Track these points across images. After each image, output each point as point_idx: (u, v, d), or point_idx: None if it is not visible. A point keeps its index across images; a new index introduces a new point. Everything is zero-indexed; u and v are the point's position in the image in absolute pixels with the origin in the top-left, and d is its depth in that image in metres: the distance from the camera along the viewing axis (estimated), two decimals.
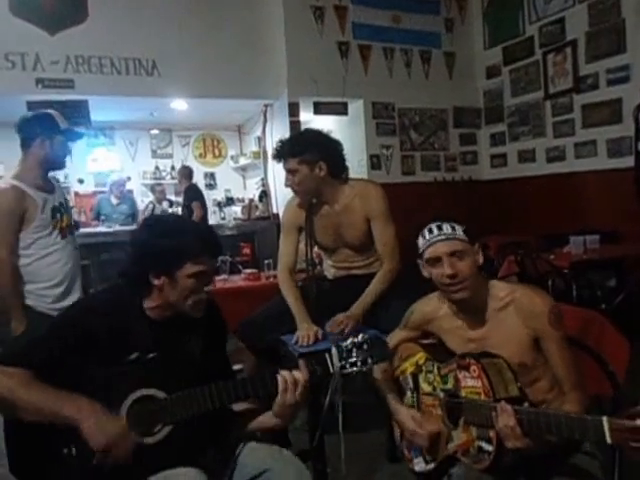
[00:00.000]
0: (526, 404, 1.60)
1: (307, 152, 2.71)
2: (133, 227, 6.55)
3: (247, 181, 8.64)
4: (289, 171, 2.75)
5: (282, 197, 6.77)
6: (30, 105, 5.77)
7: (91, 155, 8.37)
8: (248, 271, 4.50)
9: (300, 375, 1.64)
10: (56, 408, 1.55)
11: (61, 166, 3.08)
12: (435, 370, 1.86)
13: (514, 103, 6.89)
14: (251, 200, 7.22)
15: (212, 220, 7.37)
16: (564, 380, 1.72)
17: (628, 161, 5.47)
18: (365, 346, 1.64)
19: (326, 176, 2.73)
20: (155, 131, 8.63)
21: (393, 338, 2.09)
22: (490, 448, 1.62)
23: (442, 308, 1.94)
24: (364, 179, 2.90)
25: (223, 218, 7.12)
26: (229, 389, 1.65)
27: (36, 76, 5.72)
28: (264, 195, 6.91)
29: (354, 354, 1.64)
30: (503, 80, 6.99)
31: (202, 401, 1.62)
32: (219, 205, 7.41)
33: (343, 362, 1.64)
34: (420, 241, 1.83)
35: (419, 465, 1.91)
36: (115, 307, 1.72)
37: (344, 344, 1.65)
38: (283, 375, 1.64)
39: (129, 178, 8.18)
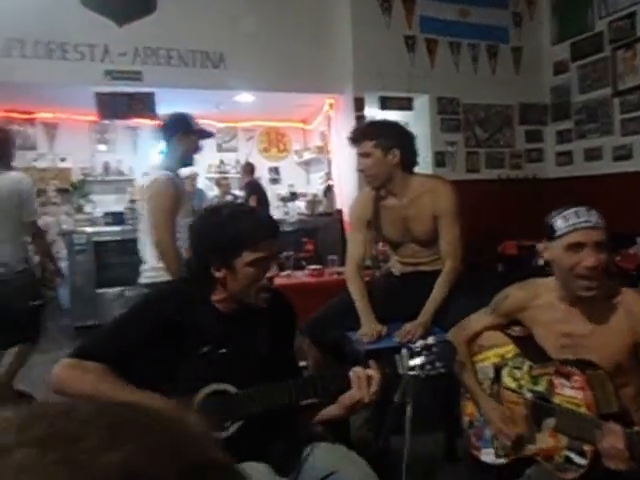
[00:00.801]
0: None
1: (383, 137, 2.77)
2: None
3: (310, 176, 8.67)
4: (362, 155, 2.79)
5: (347, 193, 6.79)
6: (98, 97, 5.96)
7: (156, 148, 8.46)
8: (312, 267, 4.54)
9: (374, 373, 1.64)
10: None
11: (191, 161, 3.43)
12: (525, 368, 1.82)
13: (581, 100, 6.73)
14: (314, 195, 7.24)
15: (275, 215, 7.27)
16: None
17: None
18: (434, 349, 1.64)
19: (398, 165, 2.77)
20: (220, 125, 8.70)
21: (476, 322, 2.06)
22: (583, 462, 1.59)
23: (541, 296, 1.88)
24: (435, 175, 2.94)
25: (287, 213, 7.15)
26: (302, 386, 1.67)
27: (104, 68, 5.80)
28: (328, 191, 6.92)
29: (423, 357, 1.63)
30: (571, 76, 6.83)
31: (275, 398, 1.63)
32: (283, 200, 7.45)
33: (412, 364, 1.63)
34: (559, 222, 1.75)
35: (488, 456, 1.92)
36: (185, 300, 1.74)
37: (414, 346, 1.66)
38: (356, 372, 1.64)
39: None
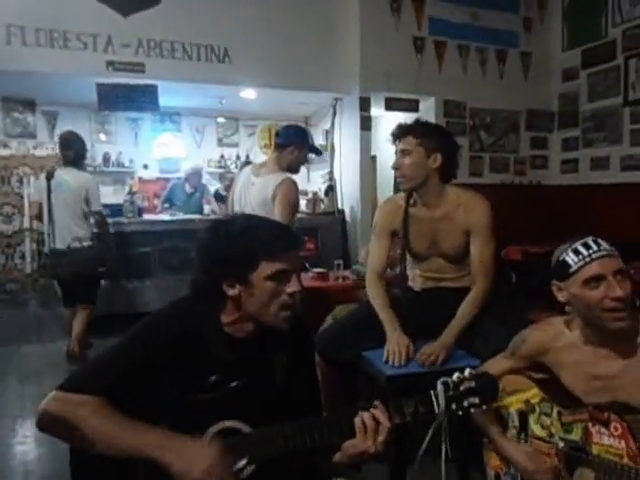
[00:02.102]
0: None
1: (428, 137, 2.60)
2: (197, 216, 6.60)
3: (312, 174, 8.58)
4: (403, 152, 2.61)
5: (348, 193, 6.73)
6: (100, 87, 5.85)
7: (157, 140, 8.43)
8: (317, 270, 4.40)
9: (383, 420, 1.42)
10: (135, 442, 1.36)
11: (297, 172, 3.70)
12: (554, 414, 1.68)
13: (590, 108, 6.64)
14: (315, 194, 7.15)
15: None
16: None
17: None
18: (473, 383, 1.42)
19: (437, 171, 2.61)
20: (222, 119, 8.63)
21: (495, 366, 1.91)
22: None
23: (564, 337, 1.75)
24: (471, 190, 2.76)
25: None
26: (317, 429, 1.44)
27: (107, 58, 5.70)
28: (330, 190, 6.84)
29: (461, 392, 1.42)
30: (580, 84, 6.74)
31: (289, 441, 1.41)
32: None
33: (450, 401, 1.41)
34: (571, 257, 1.65)
35: None
36: (190, 323, 1.54)
37: (450, 380, 1.43)
38: (362, 418, 1.42)
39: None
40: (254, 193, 3.60)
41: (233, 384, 1.49)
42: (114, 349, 1.54)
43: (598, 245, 1.62)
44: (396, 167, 2.65)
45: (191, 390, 1.46)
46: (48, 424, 1.41)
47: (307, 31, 6.28)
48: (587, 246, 1.62)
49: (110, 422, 1.38)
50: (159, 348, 1.48)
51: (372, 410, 1.42)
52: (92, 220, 4.85)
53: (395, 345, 2.45)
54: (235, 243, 1.49)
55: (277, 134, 3.75)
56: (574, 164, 6.94)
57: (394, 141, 2.68)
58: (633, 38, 6.04)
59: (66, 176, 4.71)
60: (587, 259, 1.61)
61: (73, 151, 4.77)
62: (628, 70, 6.12)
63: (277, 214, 3.30)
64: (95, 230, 4.87)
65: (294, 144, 3.60)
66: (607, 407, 1.55)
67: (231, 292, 1.51)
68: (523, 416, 1.78)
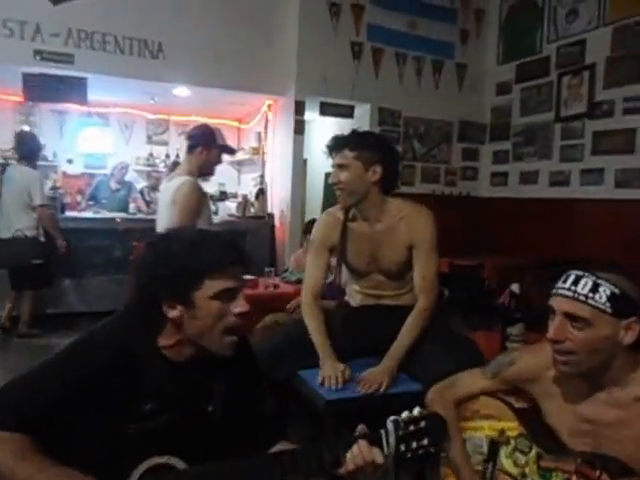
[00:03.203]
0: None
1: (366, 149, 2.44)
2: (122, 214, 6.40)
3: (242, 176, 8.44)
4: (340, 166, 2.46)
5: (279, 197, 6.61)
6: (26, 77, 5.62)
7: (82, 134, 8.10)
8: (246, 277, 4.25)
9: (377, 454, 1.29)
10: None
11: (211, 172, 3.65)
12: (532, 455, 1.52)
13: (522, 122, 6.75)
14: (245, 197, 7.02)
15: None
16: None
17: (638, 193, 5.39)
18: (422, 423, 1.32)
19: (377, 184, 2.46)
20: (152, 116, 8.37)
21: (469, 383, 1.77)
22: None
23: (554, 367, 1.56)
24: (413, 202, 2.59)
25: (216, 213, 6.89)
26: (274, 465, 1.28)
27: (35, 47, 5.48)
28: (260, 193, 6.71)
29: (410, 432, 1.31)
30: (513, 98, 6.84)
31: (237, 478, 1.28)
32: (211, 199, 7.16)
33: (399, 442, 1.30)
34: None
35: None
36: (124, 346, 1.38)
37: (400, 419, 1.32)
38: (355, 454, 1.29)
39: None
40: (162, 200, 3.56)
41: (168, 415, 1.35)
42: (38, 375, 1.36)
43: (575, 283, 1.45)
44: (334, 182, 2.51)
45: (123, 420, 1.32)
46: None
47: (245, 31, 6.16)
48: (565, 278, 1.48)
49: (32, 469, 1.23)
50: (88, 375, 1.32)
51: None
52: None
53: (330, 370, 2.31)
54: (177, 260, 1.35)
55: (186, 135, 3.69)
56: (504, 177, 7.04)
57: (330, 154, 2.53)
58: (567, 55, 6.15)
59: (14, 171, 5.35)
60: (554, 290, 1.50)
61: (25, 149, 5.43)
62: (561, 87, 6.23)
63: (175, 219, 3.22)
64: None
65: (202, 145, 3.49)
66: (600, 464, 1.37)
67: (171, 314, 1.37)
68: (494, 445, 1.64)
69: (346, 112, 6.40)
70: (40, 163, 7.72)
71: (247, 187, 7.59)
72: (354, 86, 6.33)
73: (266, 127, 6.98)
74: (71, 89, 5.81)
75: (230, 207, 7.26)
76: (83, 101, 5.99)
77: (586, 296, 1.40)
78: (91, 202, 7.07)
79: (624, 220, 5.48)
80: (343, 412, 2.11)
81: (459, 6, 6.91)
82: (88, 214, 6.58)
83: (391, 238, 2.50)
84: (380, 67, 6.51)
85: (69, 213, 6.50)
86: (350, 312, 2.72)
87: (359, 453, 1.29)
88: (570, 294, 1.42)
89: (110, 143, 8.22)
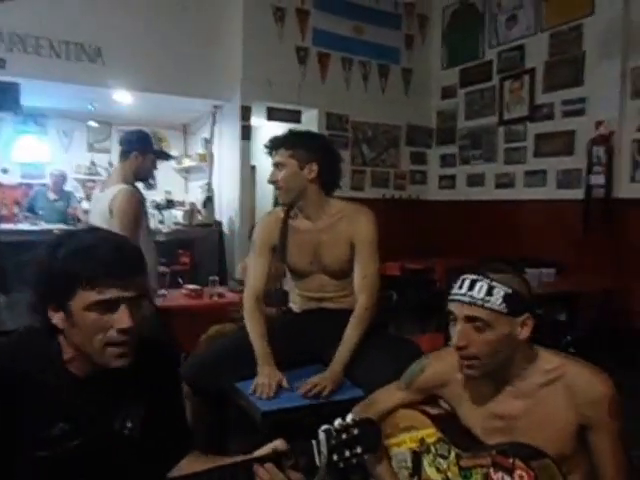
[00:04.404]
0: None
1: (301, 148, 2.45)
2: (60, 226, 6.16)
3: (190, 184, 8.29)
4: (277, 165, 2.46)
5: (227, 204, 6.50)
6: None
7: (18, 143, 7.77)
8: (190, 287, 4.11)
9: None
10: None
11: (147, 178, 3.53)
12: (452, 457, 1.55)
13: (467, 126, 6.86)
14: (193, 205, 6.88)
15: (150, 223, 6.86)
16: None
17: (577, 193, 5.55)
18: (355, 431, 1.27)
19: (314, 181, 2.45)
20: (93, 123, 8.09)
21: (387, 397, 1.77)
22: None
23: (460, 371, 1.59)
24: (356, 203, 2.60)
25: (162, 222, 6.72)
26: None
27: None
28: (208, 201, 6.58)
29: (343, 441, 1.26)
30: (458, 102, 6.96)
31: None
32: (158, 207, 6.99)
33: (332, 451, 1.25)
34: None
35: None
36: (26, 361, 1.28)
37: (333, 428, 1.27)
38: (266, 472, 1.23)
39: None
40: (96, 210, 3.41)
41: (81, 437, 1.25)
42: None
43: (470, 287, 1.49)
44: (272, 180, 2.51)
45: (32, 446, 1.20)
46: None
47: (188, 35, 6.05)
48: (461, 283, 1.51)
49: None
50: None
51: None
52: None
53: (265, 378, 2.25)
54: (56, 262, 1.25)
55: (119, 141, 3.56)
56: (451, 180, 7.13)
57: (269, 153, 2.54)
58: (508, 60, 6.29)
59: None
60: (450, 296, 1.53)
61: None
62: (503, 90, 6.36)
63: (117, 230, 3.00)
64: None
65: (136, 149, 3.37)
66: (512, 451, 1.43)
67: (55, 319, 1.27)
68: (417, 457, 1.63)
69: (293, 117, 6.37)
70: None
71: (195, 194, 7.45)
72: (301, 91, 6.30)
73: (212, 133, 6.87)
74: (3, 95, 5.59)
75: (177, 215, 7.10)
76: (16, 108, 5.77)
77: (483, 299, 1.45)
78: (28, 214, 6.74)
79: (565, 219, 5.63)
80: (282, 423, 2.04)
81: (403, 12, 6.97)
82: (25, 226, 6.29)
83: (332, 235, 2.49)
84: (326, 72, 6.52)
85: (5, 225, 6.25)
86: (292, 318, 2.69)
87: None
88: (467, 300, 1.47)
89: (48, 151, 7.90)
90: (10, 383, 1.23)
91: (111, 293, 1.24)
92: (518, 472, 1.40)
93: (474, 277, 1.48)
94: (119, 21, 5.73)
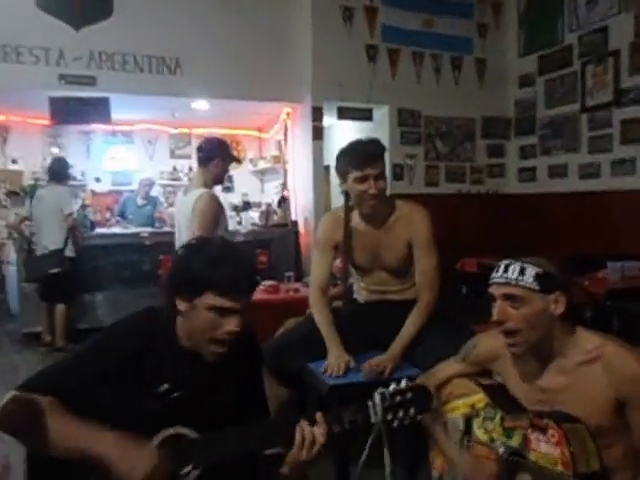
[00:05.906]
0: None
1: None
2: (148, 229, 6.49)
3: (265, 185, 8.46)
4: (377, 176, 2.53)
5: (302, 204, 6.59)
6: (52, 101, 5.88)
7: (108, 153, 8.25)
8: (267, 283, 4.37)
9: (320, 433, 1.46)
10: (84, 438, 1.40)
11: (223, 181, 3.91)
12: (497, 420, 1.72)
13: (547, 115, 6.56)
14: (268, 205, 7.01)
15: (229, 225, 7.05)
16: None
17: None
18: (409, 394, 1.48)
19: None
20: (174, 131, 8.46)
21: (446, 369, 2.02)
22: None
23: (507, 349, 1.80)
24: (410, 202, 2.73)
25: (240, 223, 6.91)
26: (259, 434, 1.50)
27: (59, 72, 5.71)
28: (283, 201, 6.69)
29: (397, 403, 1.46)
30: (537, 90, 6.66)
31: (232, 445, 1.47)
32: (236, 209, 7.19)
33: (386, 412, 1.45)
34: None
35: None
36: (151, 333, 1.62)
37: (387, 391, 1.47)
38: (301, 430, 1.46)
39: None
40: (182, 212, 3.68)
41: (183, 391, 1.55)
42: (77, 355, 1.63)
43: (505, 270, 1.69)
44: (375, 194, 2.54)
45: (143, 396, 1.52)
46: (5, 422, 1.47)
47: (259, 41, 6.19)
48: (497, 268, 1.72)
49: (63, 419, 1.43)
50: (114, 360, 1.54)
51: (312, 428, 1.47)
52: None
53: (334, 359, 2.48)
54: (192, 269, 1.55)
55: (199, 149, 3.78)
56: (532, 172, 6.85)
57: (361, 169, 2.52)
58: (589, 44, 5.97)
59: (44, 191, 5.71)
60: (490, 281, 1.74)
61: (55, 170, 5.74)
62: (585, 76, 6.04)
63: (195, 229, 3.40)
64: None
65: (218, 156, 3.66)
66: (547, 414, 1.60)
67: (180, 306, 1.57)
68: (468, 420, 1.82)
69: (364, 115, 6.36)
70: (70, 183, 7.99)
71: (270, 196, 7.59)
72: (371, 88, 6.26)
73: (285, 135, 6.96)
74: (95, 109, 5.99)
75: (253, 216, 7.26)
76: (107, 120, 6.17)
77: (516, 279, 1.65)
78: (119, 218, 7.27)
79: None
80: (347, 397, 2.21)
81: (475, 0, 6.78)
82: (117, 230, 6.77)
83: (390, 236, 2.65)
84: (397, 68, 6.45)
85: (99, 230, 6.68)
86: (357, 308, 2.88)
87: (299, 431, 1.46)
88: (503, 280, 1.68)
89: (135, 160, 8.37)
90: (138, 349, 1.57)
91: (232, 303, 1.53)
92: (550, 431, 1.54)
93: (507, 262, 1.70)
94: (194, 34, 6.00)
